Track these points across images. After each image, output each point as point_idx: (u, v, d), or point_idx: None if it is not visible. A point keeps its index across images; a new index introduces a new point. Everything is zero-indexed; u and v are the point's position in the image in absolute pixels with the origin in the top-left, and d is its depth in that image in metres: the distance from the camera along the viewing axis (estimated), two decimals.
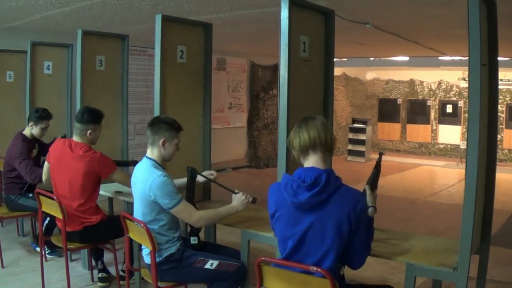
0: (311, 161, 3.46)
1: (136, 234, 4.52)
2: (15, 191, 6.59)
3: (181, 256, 4.38)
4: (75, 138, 5.40)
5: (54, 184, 5.47)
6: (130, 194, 5.56)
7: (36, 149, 6.79)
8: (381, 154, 3.89)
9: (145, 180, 4.33)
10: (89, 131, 5.36)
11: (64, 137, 6.66)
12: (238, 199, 4.54)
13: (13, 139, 6.78)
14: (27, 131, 6.75)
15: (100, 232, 5.37)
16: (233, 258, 4.49)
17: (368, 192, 3.55)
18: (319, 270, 3.06)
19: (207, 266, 4.32)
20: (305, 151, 3.47)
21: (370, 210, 3.47)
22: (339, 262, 3.38)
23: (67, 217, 5.17)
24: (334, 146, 3.53)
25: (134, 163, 5.19)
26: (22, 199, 6.56)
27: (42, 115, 6.69)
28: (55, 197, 5.11)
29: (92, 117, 5.39)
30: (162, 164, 4.52)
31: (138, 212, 4.46)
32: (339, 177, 3.40)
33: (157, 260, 4.30)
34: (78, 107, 6.37)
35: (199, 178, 4.87)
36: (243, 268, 4.41)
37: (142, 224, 4.24)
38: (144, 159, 4.51)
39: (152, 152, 4.49)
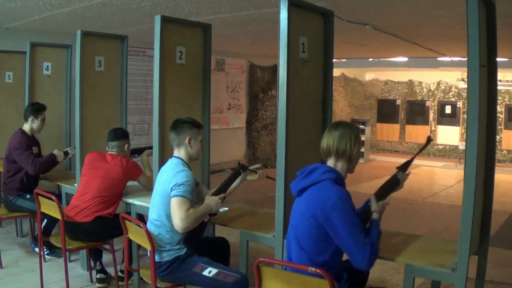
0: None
1: (135, 235, 4.52)
2: (13, 191, 6.61)
3: (185, 259, 4.39)
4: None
5: (83, 181, 5.76)
6: (128, 195, 5.66)
7: (36, 148, 6.84)
8: (399, 169, 4.09)
9: (169, 173, 4.43)
10: (126, 146, 5.90)
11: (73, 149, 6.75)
12: (212, 200, 4.52)
13: (12, 135, 6.88)
14: (26, 127, 6.84)
15: (109, 226, 5.50)
16: (235, 270, 4.42)
17: (373, 200, 3.77)
18: (318, 271, 3.07)
19: (205, 273, 4.29)
20: (324, 156, 3.75)
21: (374, 214, 3.68)
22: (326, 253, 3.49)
23: (80, 209, 5.51)
24: (352, 157, 3.67)
25: (150, 147, 5.98)
26: (20, 200, 6.60)
27: (38, 108, 6.87)
28: (53, 198, 5.13)
29: (123, 132, 6.03)
30: (189, 163, 4.60)
31: (154, 210, 4.53)
32: (334, 176, 3.57)
33: (166, 259, 4.36)
34: (77, 107, 6.38)
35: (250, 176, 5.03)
36: (243, 282, 4.25)
37: (142, 225, 4.25)
38: (172, 158, 4.62)
39: (179, 153, 4.61)
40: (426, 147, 4.43)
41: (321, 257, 3.48)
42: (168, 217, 4.35)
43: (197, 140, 4.63)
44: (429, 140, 4.28)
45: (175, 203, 4.23)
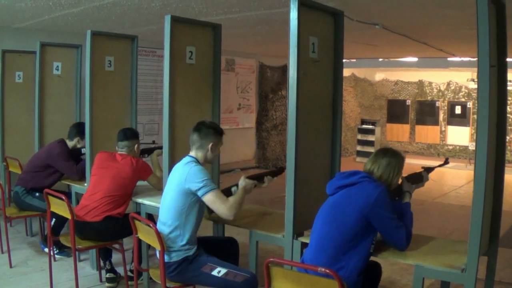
0: None
1: (144, 234, 4.53)
2: (28, 184, 6.72)
3: (193, 259, 4.39)
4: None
5: (93, 181, 5.79)
6: (137, 194, 5.66)
7: None
8: (424, 169, 4.56)
9: (182, 172, 4.46)
10: (135, 146, 5.91)
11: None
12: (248, 182, 4.71)
13: (53, 142, 7.00)
14: (69, 144, 6.96)
15: (118, 225, 5.51)
16: (244, 269, 4.43)
17: (405, 181, 4.23)
18: (327, 271, 3.07)
19: (214, 272, 4.29)
20: None
21: (406, 195, 4.15)
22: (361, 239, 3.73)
23: (90, 208, 5.52)
24: (392, 184, 4.03)
25: (160, 147, 6.04)
26: (29, 197, 6.66)
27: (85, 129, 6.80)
28: (63, 197, 5.14)
29: (133, 132, 6.04)
30: (203, 165, 4.62)
31: (165, 210, 4.55)
32: (374, 181, 3.88)
33: (175, 260, 4.36)
34: (87, 107, 6.40)
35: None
36: (252, 281, 4.26)
37: (151, 225, 4.26)
38: (187, 157, 4.64)
39: (196, 154, 4.65)
40: (443, 165, 4.99)
41: (344, 259, 3.69)
42: (180, 216, 4.39)
43: (218, 146, 4.72)
44: (446, 161, 5.02)
45: (212, 198, 4.37)
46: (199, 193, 4.36)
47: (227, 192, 4.71)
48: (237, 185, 4.75)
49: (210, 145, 4.61)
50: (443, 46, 12.16)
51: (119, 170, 5.63)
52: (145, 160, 6.06)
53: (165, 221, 4.47)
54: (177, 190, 4.43)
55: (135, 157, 5.85)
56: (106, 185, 5.55)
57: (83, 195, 5.81)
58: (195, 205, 4.44)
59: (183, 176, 4.41)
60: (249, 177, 4.77)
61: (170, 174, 4.70)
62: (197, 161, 4.57)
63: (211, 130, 4.67)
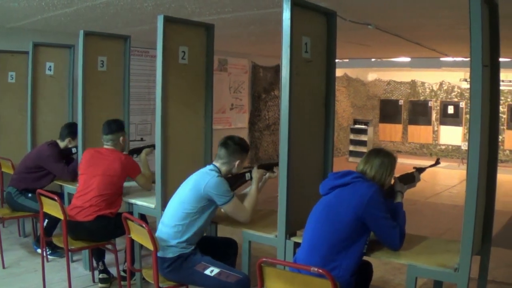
0: None
1: (137, 235, 4.52)
2: (21, 185, 6.70)
3: (188, 257, 4.39)
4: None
5: (82, 180, 5.74)
6: (130, 194, 5.65)
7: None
8: (416, 169, 4.62)
9: (201, 178, 4.53)
10: (121, 138, 5.86)
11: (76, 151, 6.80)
12: (260, 172, 4.95)
13: (44, 143, 6.99)
14: (60, 144, 6.97)
15: (110, 225, 5.48)
16: (237, 270, 4.46)
17: (397, 181, 4.28)
18: (320, 271, 3.07)
19: (207, 272, 4.30)
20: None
21: (398, 195, 4.19)
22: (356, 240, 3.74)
23: (81, 208, 5.48)
24: (385, 184, 4.05)
25: (148, 146, 6.21)
26: (21, 198, 6.63)
27: (76, 130, 6.79)
28: (56, 198, 5.13)
29: (118, 125, 5.93)
30: (225, 176, 4.70)
31: (172, 211, 4.58)
32: (367, 181, 3.91)
33: (170, 256, 4.38)
34: (80, 107, 6.39)
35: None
36: (244, 282, 4.27)
37: (144, 225, 4.25)
38: (211, 165, 4.73)
39: (221, 167, 4.71)
40: (434, 166, 5.08)
41: (338, 259, 3.71)
42: (186, 217, 4.44)
43: (244, 161, 4.82)
44: (437, 162, 5.13)
45: (231, 208, 4.57)
46: (218, 202, 4.48)
47: (240, 178, 4.90)
48: (250, 171, 4.94)
49: (236, 162, 4.71)
50: (436, 46, 12.17)
51: (108, 168, 5.62)
52: (135, 160, 6.04)
53: (169, 222, 4.51)
54: (190, 193, 4.48)
55: (123, 152, 5.84)
56: (96, 183, 5.53)
57: (74, 195, 5.79)
58: (204, 212, 4.50)
59: (202, 182, 4.47)
60: (259, 167, 4.96)
61: (188, 178, 4.72)
62: (219, 172, 4.63)
63: (239, 148, 4.75)
